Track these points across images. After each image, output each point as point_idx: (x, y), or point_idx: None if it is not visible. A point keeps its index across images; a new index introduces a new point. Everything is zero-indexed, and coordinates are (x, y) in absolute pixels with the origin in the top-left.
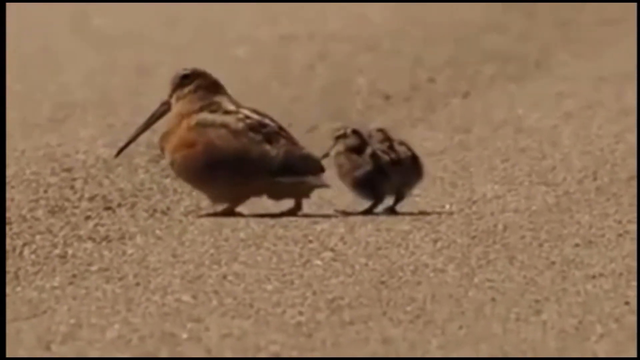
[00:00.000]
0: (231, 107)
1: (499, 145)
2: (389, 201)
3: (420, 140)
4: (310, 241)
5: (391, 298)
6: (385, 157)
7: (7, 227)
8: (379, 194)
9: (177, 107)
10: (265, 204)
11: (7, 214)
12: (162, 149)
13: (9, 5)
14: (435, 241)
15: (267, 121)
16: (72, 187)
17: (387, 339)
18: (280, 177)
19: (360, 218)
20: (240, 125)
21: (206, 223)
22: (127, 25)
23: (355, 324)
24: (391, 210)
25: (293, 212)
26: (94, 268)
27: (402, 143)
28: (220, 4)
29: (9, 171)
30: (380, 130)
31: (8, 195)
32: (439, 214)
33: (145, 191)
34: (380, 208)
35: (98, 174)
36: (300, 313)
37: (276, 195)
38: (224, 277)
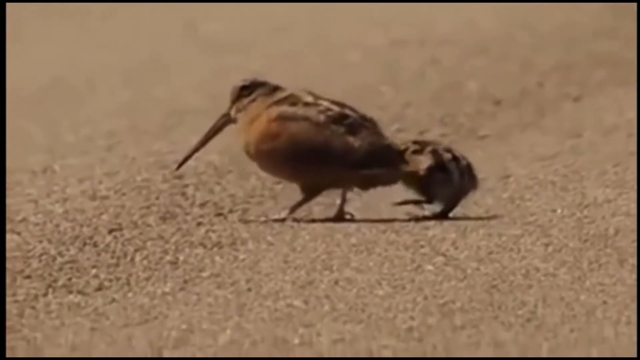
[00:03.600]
0: (310, 99)
1: (610, 149)
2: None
3: (530, 145)
4: (422, 246)
5: (502, 302)
6: (447, 155)
7: (119, 234)
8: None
9: (243, 115)
10: (377, 208)
11: (119, 220)
12: (247, 144)
13: (116, 12)
14: (546, 245)
15: (348, 112)
16: (183, 194)
17: (498, 343)
18: (365, 168)
19: (471, 223)
20: (322, 117)
21: (318, 228)
22: (237, 31)
23: (466, 328)
24: (442, 215)
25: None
26: (205, 274)
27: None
28: (330, 9)
29: (120, 178)
30: (431, 142)
31: (119, 202)
32: (550, 218)
33: (256, 197)
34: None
35: (209, 181)
36: (412, 318)
37: (362, 186)
38: (336, 282)
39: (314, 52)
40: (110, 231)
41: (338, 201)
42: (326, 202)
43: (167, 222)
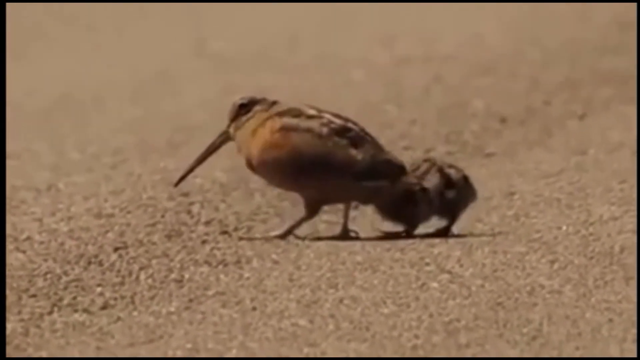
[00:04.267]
0: (313, 112)
1: (615, 167)
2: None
3: (536, 162)
4: (427, 264)
5: (507, 320)
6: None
7: (124, 252)
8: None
9: (240, 134)
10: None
11: (124, 239)
12: (250, 157)
13: (125, 28)
14: (551, 262)
15: (350, 125)
16: (188, 212)
17: None
18: (367, 181)
19: (476, 240)
20: (325, 129)
21: (322, 247)
22: (245, 48)
23: (471, 346)
24: (445, 231)
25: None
26: (210, 292)
27: (451, 166)
28: (335, 26)
29: (125, 196)
30: (428, 159)
31: (124, 220)
32: (556, 235)
33: (261, 215)
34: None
35: (214, 199)
36: (417, 336)
37: (363, 199)
38: (341, 300)
39: (320, 69)
40: (116, 249)
41: (342, 219)
42: (331, 220)
43: (172, 240)
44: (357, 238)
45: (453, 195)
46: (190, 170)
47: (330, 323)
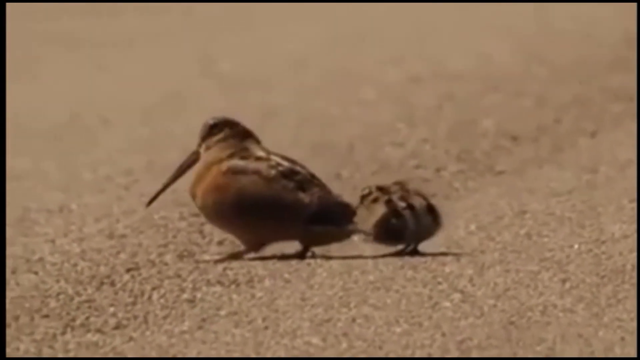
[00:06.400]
0: (262, 154)
1: (626, 184)
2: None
3: (547, 180)
4: (439, 283)
5: (520, 338)
6: (401, 204)
7: (136, 272)
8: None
9: (205, 156)
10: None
11: (136, 259)
12: (194, 196)
13: (133, 49)
14: (563, 281)
15: (298, 168)
16: (200, 232)
17: None
18: (314, 224)
19: (488, 259)
20: (273, 172)
21: (334, 265)
22: (254, 68)
23: None
24: (413, 252)
25: (300, 255)
26: (223, 312)
27: (418, 193)
28: (346, 46)
29: (137, 216)
30: (399, 183)
31: (136, 240)
32: (568, 254)
33: None
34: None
35: None
36: (430, 355)
37: (309, 242)
38: (353, 319)
39: (330, 89)
40: (128, 270)
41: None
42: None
43: (184, 261)
44: (370, 257)
45: (399, 224)
46: (163, 189)
47: (343, 342)
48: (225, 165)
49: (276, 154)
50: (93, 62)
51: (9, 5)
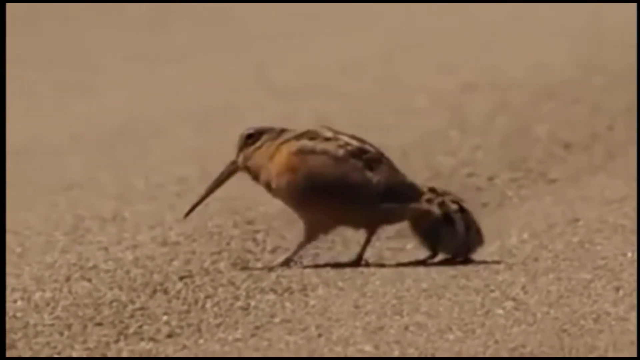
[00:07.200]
0: (329, 134)
1: None
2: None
3: (600, 188)
4: (492, 290)
5: (573, 346)
6: (453, 206)
7: (189, 280)
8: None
9: (255, 162)
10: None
11: (189, 267)
12: (268, 187)
13: (186, 58)
14: (617, 289)
15: (367, 147)
16: (254, 240)
17: None
18: (382, 203)
19: (541, 267)
20: (341, 152)
21: (387, 274)
22: (307, 76)
23: None
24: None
25: (354, 263)
26: (276, 320)
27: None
28: (398, 53)
29: (190, 224)
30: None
31: (189, 248)
32: (621, 262)
33: (327, 242)
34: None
35: (280, 226)
36: None
37: (376, 222)
38: (406, 327)
39: (383, 96)
40: (181, 278)
41: (407, 244)
42: (396, 246)
43: (237, 268)
44: (422, 263)
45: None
46: (201, 200)
47: (396, 349)
48: (294, 146)
49: (344, 134)
50: (147, 72)
51: (68, 13)
